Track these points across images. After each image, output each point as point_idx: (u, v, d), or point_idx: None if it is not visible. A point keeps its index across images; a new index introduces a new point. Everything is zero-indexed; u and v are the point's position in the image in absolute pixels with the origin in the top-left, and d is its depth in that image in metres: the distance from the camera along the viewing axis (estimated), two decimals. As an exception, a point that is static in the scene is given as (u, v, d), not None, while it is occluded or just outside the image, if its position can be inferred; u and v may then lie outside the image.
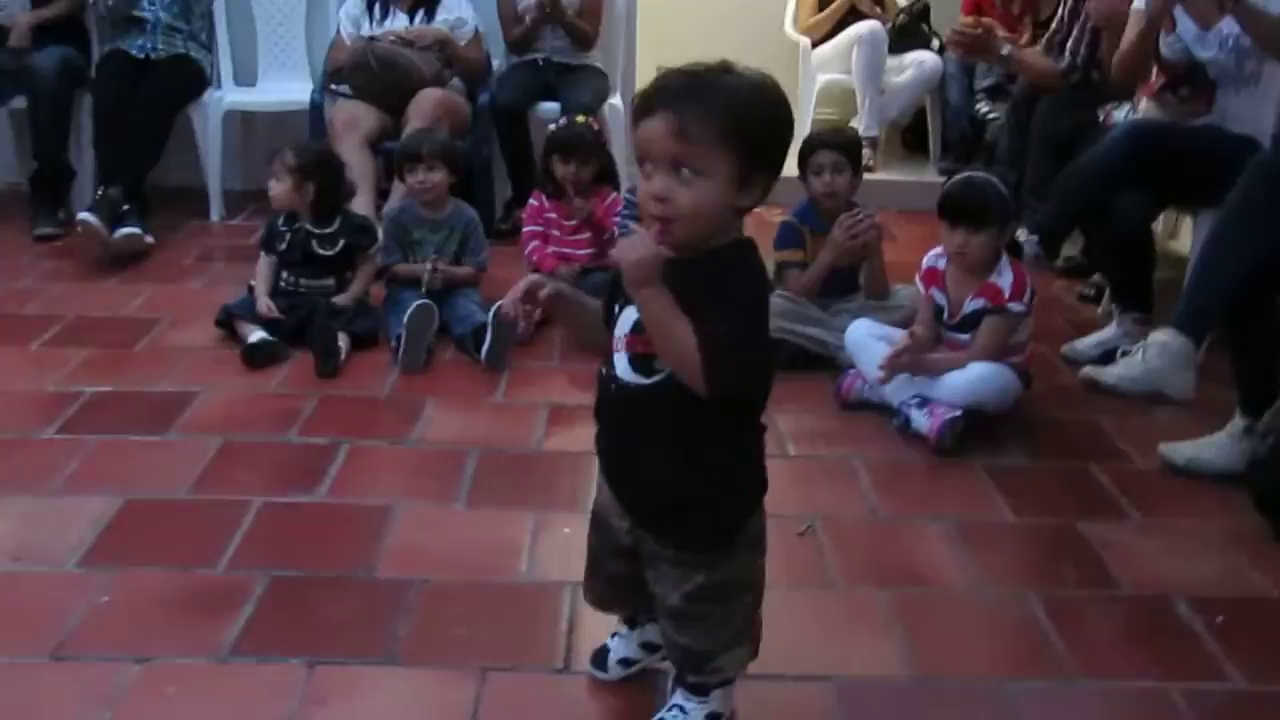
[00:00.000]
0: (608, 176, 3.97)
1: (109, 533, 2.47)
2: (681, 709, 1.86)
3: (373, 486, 2.67)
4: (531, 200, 3.99)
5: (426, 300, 3.40)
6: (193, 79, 4.77)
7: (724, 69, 1.59)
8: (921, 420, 2.97)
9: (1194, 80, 3.67)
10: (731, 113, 1.54)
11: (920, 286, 3.21)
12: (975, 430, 2.96)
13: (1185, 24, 3.54)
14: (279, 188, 3.52)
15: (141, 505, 2.59)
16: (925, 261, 3.21)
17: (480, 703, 1.97)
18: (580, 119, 3.96)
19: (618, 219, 3.81)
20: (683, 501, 1.71)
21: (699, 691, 1.86)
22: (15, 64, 4.60)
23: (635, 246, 1.57)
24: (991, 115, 5.32)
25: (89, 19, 4.91)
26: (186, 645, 2.10)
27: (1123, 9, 3.75)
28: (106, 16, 4.78)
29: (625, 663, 2.04)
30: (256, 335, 3.40)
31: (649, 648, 2.03)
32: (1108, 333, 3.57)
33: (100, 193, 4.27)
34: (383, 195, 4.37)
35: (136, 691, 1.98)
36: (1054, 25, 4.54)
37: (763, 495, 1.78)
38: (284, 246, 3.55)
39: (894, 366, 3.05)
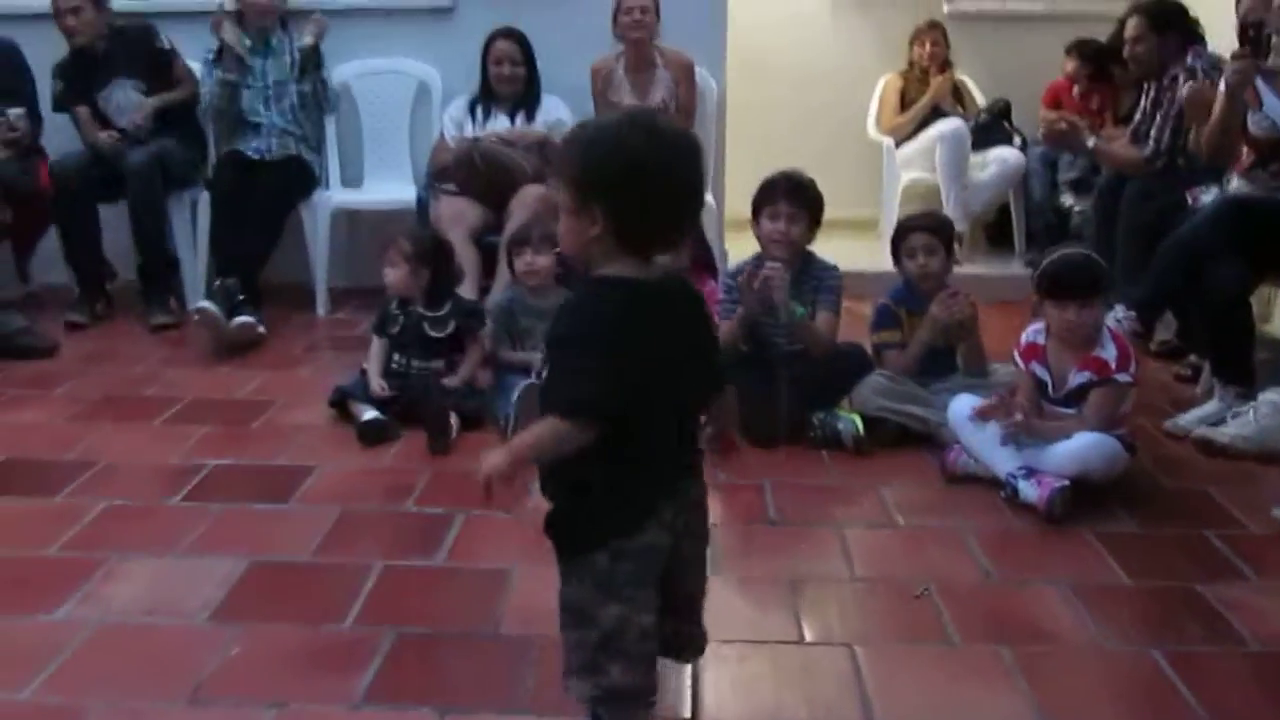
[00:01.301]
0: (707, 264, 4.07)
1: (237, 591, 2.55)
2: None
3: (490, 552, 2.72)
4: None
5: (535, 380, 3.48)
6: (303, 179, 5.00)
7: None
8: (1029, 490, 2.97)
9: (1283, 155, 3.73)
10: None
11: (1019, 362, 3.25)
12: (1082, 499, 2.95)
13: (1271, 100, 3.59)
14: (395, 274, 3.65)
15: (266, 567, 2.67)
16: (1024, 338, 3.25)
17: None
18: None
19: (717, 306, 3.88)
20: (554, 505, 1.83)
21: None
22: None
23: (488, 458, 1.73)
24: (1077, 208, 5.39)
25: (204, 120, 5.16)
26: (319, 694, 2.16)
27: (1210, 95, 3.83)
28: (219, 121, 5.03)
29: None
30: (370, 414, 3.51)
31: None
32: (1210, 406, 3.56)
33: (218, 283, 4.47)
34: (483, 290, 4.50)
35: (274, 734, 2.04)
36: (1137, 116, 4.61)
37: (615, 533, 1.77)
38: (397, 330, 3.67)
39: (1007, 431, 3.07)
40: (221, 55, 4.96)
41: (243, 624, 2.40)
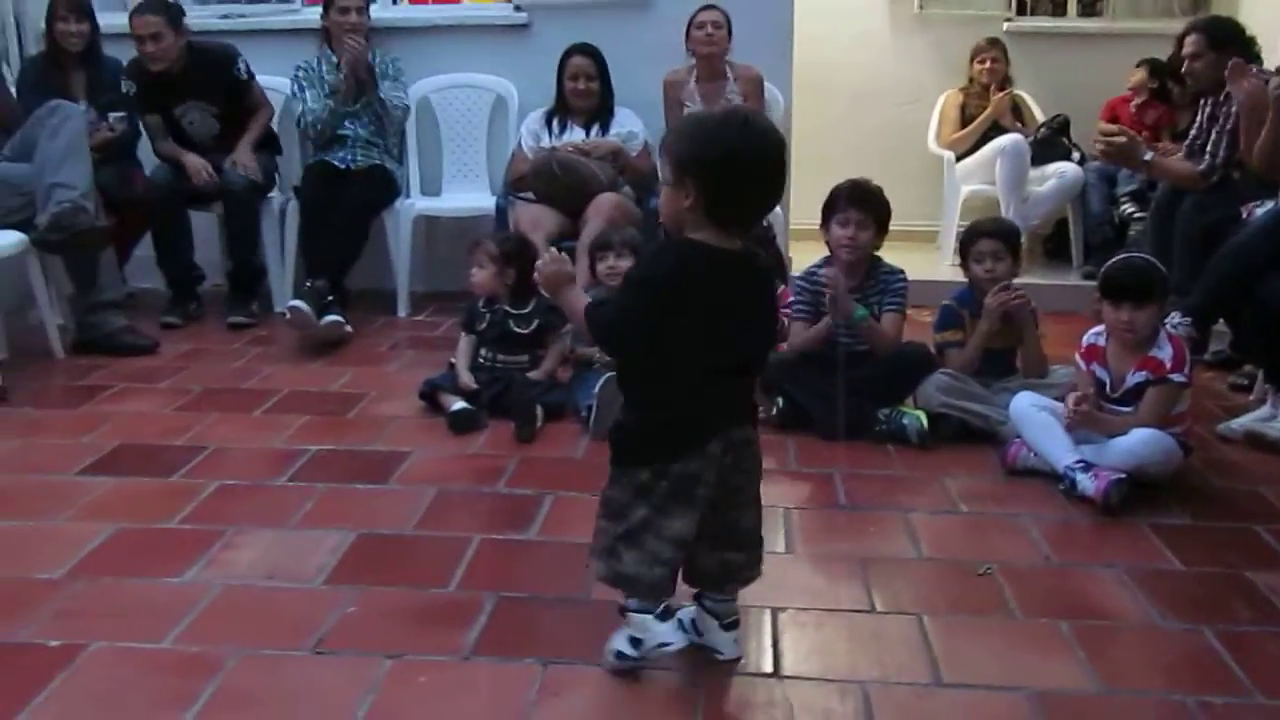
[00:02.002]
0: (777, 271, 4.25)
1: (347, 559, 2.76)
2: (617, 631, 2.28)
3: (580, 527, 2.87)
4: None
5: (614, 374, 3.68)
6: (387, 188, 5.24)
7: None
8: (1087, 483, 3.12)
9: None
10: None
11: (1080, 363, 3.40)
12: (1138, 493, 3.09)
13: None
14: (482, 274, 3.87)
15: (372, 539, 2.88)
16: (1085, 339, 3.41)
17: (700, 692, 2.21)
18: (748, 216, 4.26)
19: (787, 309, 4.06)
20: (619, 420, 2.24)
21: (620, 612, 2.26)
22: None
23: (545, 267, 2.33)
24: (1137, 215, 5.52)
25: (302, 134, 5.44)
26: (430, 646, 2.35)
27: (1264, 96, 3.95)
28: (314, 138, 5.29)
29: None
30: (458, 405, 3.71)
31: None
32: (1262, 412, 3.69)
33: (307, 285, 4.72)
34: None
35: (392, 679, 2.23)
36: (1193, 132, 4.73)
37: (659, 458, 2.12)
38: (484, 326, 3.88)
39: (1071, 419, 3.23)
40: (312, 76, 5.23)
41: (356, 587, 2.61)
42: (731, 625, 2.31)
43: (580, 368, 3.92)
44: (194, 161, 5.06)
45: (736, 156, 2.03)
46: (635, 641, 2.23)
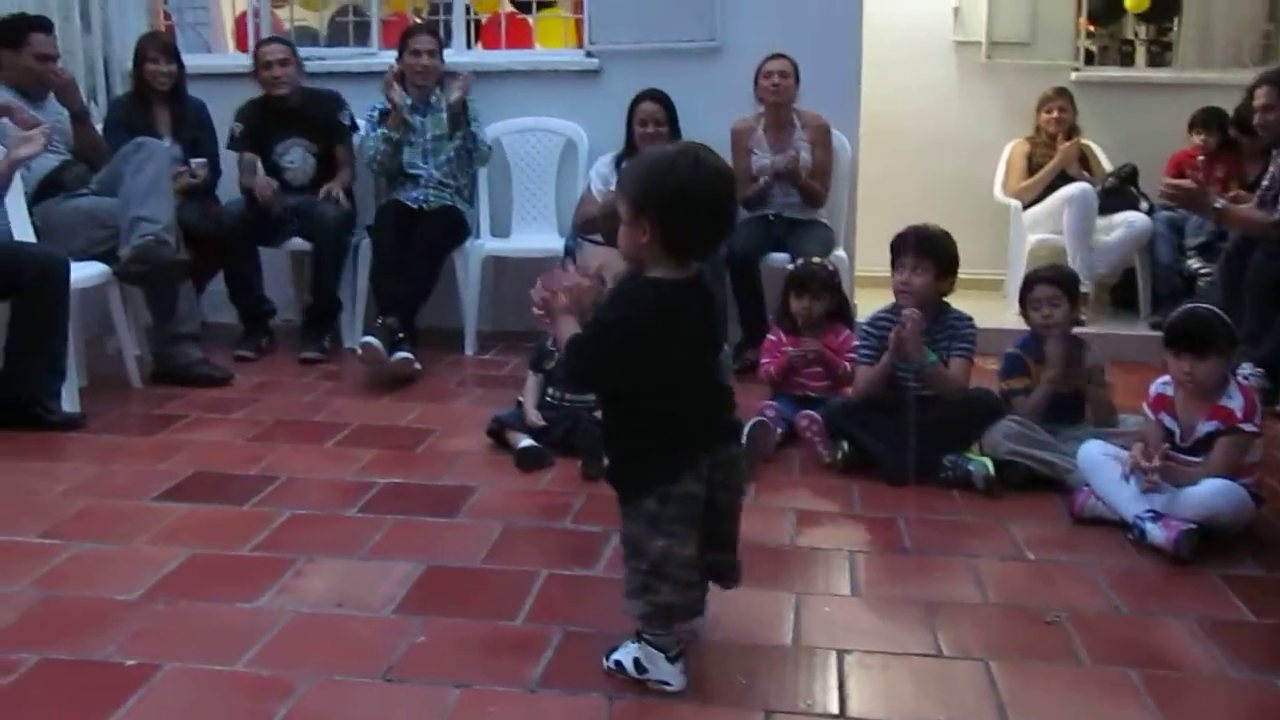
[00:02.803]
0: (843, 315, 4.27)
1: (416, 590, 2.80)
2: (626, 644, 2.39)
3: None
4: (770, 336, 4.31)
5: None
6: (457, 228, 5.34)
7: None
8: (1157, 532, 3.09)
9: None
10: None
11: (1149, 412, 3.38)
12: (1208, 544, 3.06)
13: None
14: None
15: (441, 571, 2.92)
16: (1153, 388, 3.38)
17: (768, 731, 2.20)
18: (816, 260, 4.29)
19: (852, 354, 4.07)
20: (612, 461, 2.43)
21: (636, 635, 2.36)
22: (302, 211, 5.27)
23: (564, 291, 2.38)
24: (1203, 271, 5.48)
25: (369, 172, 5.56)
26: (498, 677, 2.37)
27: None
28: (377, 170, 5.41)
29: None
30: (525, 442, 3.76)
31: None
32: (1336, 463, 3.65)
33: (379, 321, 4.80)
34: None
35: (461, 708, 2.26)
36: (1265, 183, 4.70)
37: (656, 480, 2.24)
38: (552, 365, 3.92)
39: (1150, 484, 3.18)
40: (386, 115, 5.33)
41: (424, 617, 2.64)
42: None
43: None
44: (262, 180, 5.27)
45: (688, 193, 2.16)
46: (640, 667, 2.34)
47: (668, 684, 2.33)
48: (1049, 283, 3.83)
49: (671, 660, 2.33)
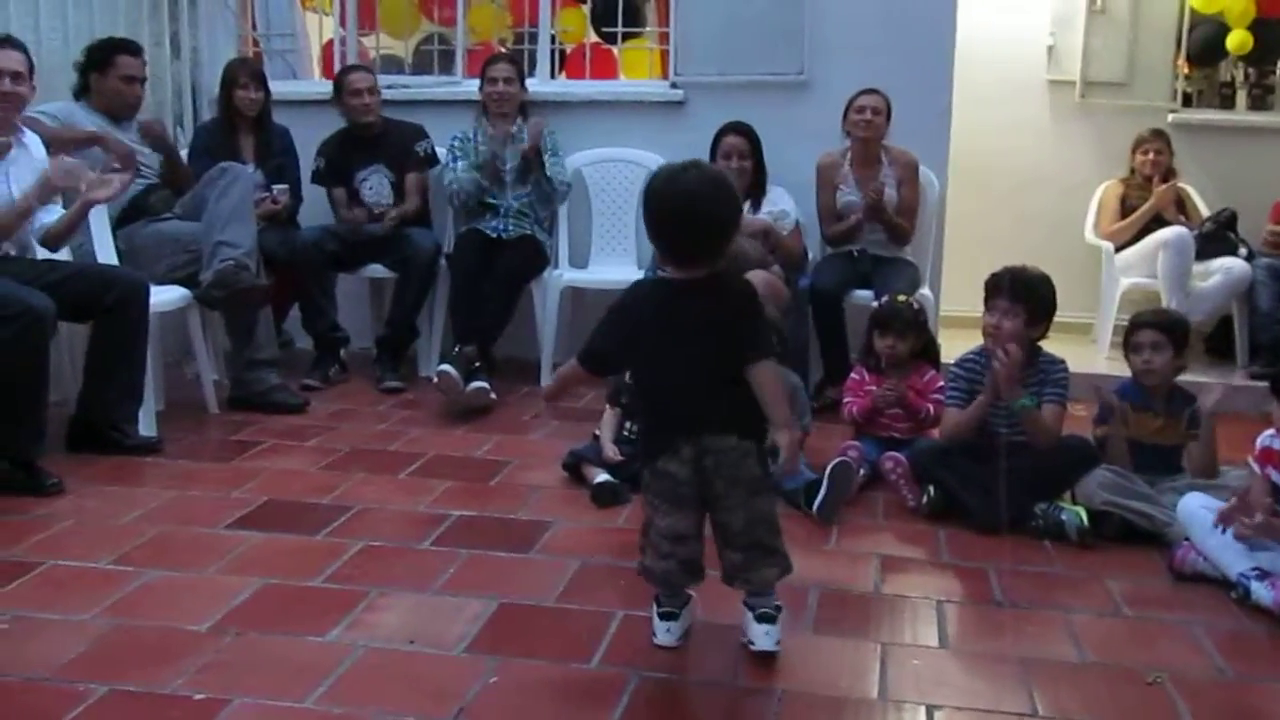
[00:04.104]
0: (928, 354, 4.15)
1: (489, 628, 2.73)
2: None
3: (726, 609, 2.81)
4: (853, 374, 4.20)
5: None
6: (536, 258, 5.28)
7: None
8: (1263, 592, 2.93)
9: None
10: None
11: (1255, 466, 3.22)
12: (1320, 607, 2.91)
13: None
14: None
15: (515, 608, 2.84)
16: (1260, 441, 3.22)
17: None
18: (901, 298, 4.18)
19: (938, 396, 3.95)
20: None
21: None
22: (388, 237, 5.29)
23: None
24: (1307, 320, 5.29)
25: (435, 202, 5.57)
26: (574, 722, 2.30)
27: None
28: (458, 207, 5.39)
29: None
30: (602, 477, 3.68)
31: None
32: None
33: (456, 350, 4.76)
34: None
35: (535, 754, 2.18)
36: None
37: (648, 456, 2.54)
38: (628, 400, 3.84)
39: (1243, 529, 3.01)
40: (468, 146, 5.33)
41: (497, 657, 2.57)
42: (764, 618, 2.56)
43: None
44: (339, 197, 5.38)
45: (649, 204, 2.44)
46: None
47: (655, 637, 2.59)
48: (1154, 328, 3.70)
49: (661, 617, 2.58)
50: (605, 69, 6.34)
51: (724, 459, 2.45)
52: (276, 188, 5.27)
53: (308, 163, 5.48)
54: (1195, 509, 3.22)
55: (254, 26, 6.47)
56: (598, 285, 5.41)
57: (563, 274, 5.42)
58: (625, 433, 3.86)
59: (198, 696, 2.36)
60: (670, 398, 2.50)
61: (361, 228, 5.31)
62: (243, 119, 5.30)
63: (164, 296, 4.38)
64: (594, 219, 5.70)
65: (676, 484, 2.47)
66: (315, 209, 5.52)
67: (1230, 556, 3.07)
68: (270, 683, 2.42)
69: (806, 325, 4.92)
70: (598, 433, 3.92)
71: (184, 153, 5.20)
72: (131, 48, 4.77)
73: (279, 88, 5.60)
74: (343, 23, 6.10)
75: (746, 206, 5.06)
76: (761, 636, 2.54)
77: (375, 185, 5.42)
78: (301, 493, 3.69)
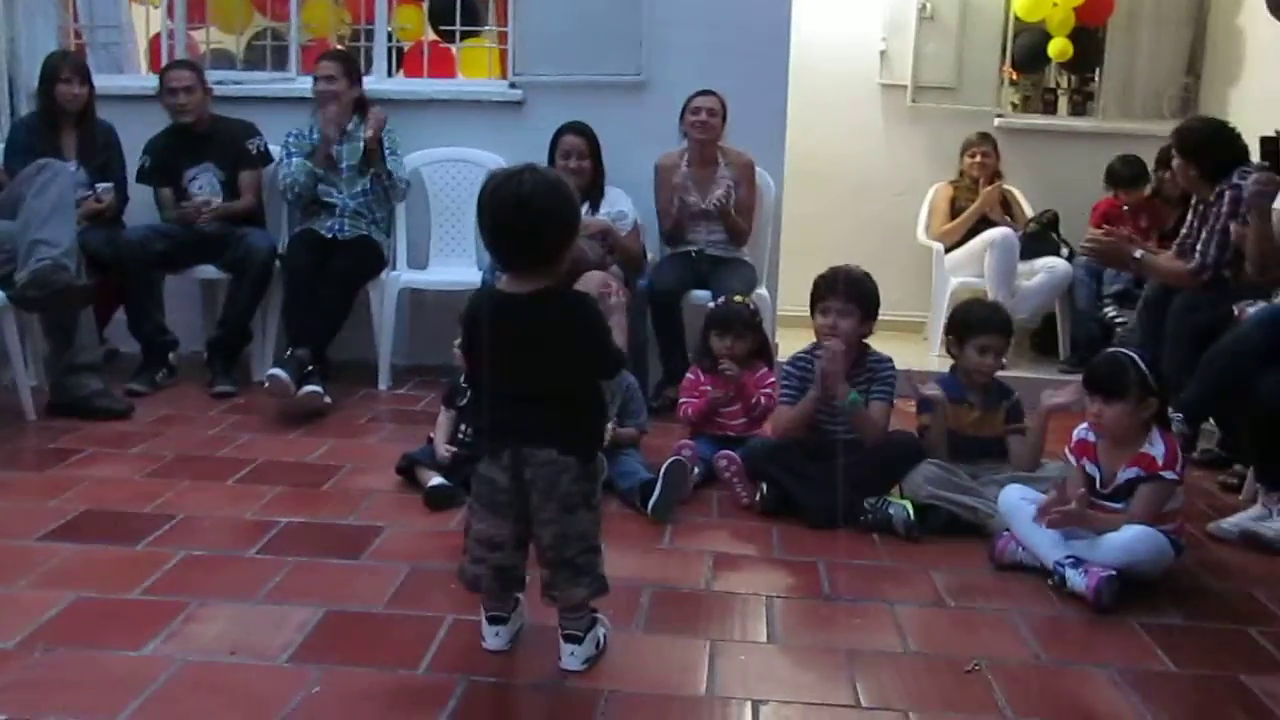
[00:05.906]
0: (763, 354, 4.21)
1: (314, 636, 2.66)
2: None
3: (553, 612, 2.80)
4: (689, 374, 4.23)
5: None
6: (373, 259, 5.19)
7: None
8: (1077, 579, 3.04)
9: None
10: None
11: (1071, 458, 3.34)
12: (1129, 592, 3.02)
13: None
14: None
15: (342, 616, 2.78)
16: (1076, 434, 3.35)
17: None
18: (738, 298, 4.23)
19: (768, 392, 4.02)
20: None
21: None
22: (221, 237, 5.14)
23: None
24: (1119, 320, 5.51)
25: (270, 202, 5.44)
26: (397, 731, 2.26)
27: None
28: (292, 200, 5.26)
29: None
30: (436, 480, 3.63)
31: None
32: (1253, 511, 3.63)
33: (289, 353, 4.65)
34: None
35: (356, 765, 2.14)
36: (1184, 230, 4.71)
37: (473, 458, 2.65)
38: (464, 402, 3.81)
39: (1056, 517, 3.14)
40: (302, 142, 5.21)
41: (322, 666, 2.51)
42: (570, 638, 2.54)
43: (614, 449, 3.76)
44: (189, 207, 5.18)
45: (488, 208, 2.41)
46: None
47: (484, 639, 2.61)
48: (998, 333, 3.79)
49: (489, 621, 2.60)
50: (444, 68, 6.29)
51: (541, 471, 2.43)
52: (100, 186, 5.08)
53: (134, 160, 5.29)
54: (1015, 501, 3.34)
55: (76, 18, 6.23)
56: (437, 286, 5.36)
57: (400, 275, 5.34)
58: (461, 435, 3.82)
59: (1, 718, 2.25)
60: (497, 404, 2.50)
61: (192, 226, 5.14)
62: (64, 115, 5.10)
63: (-25, 298, 4.19)
64: (433, 219, 5.63)
65: (495, 490, 2.48)
66: (143, 209, 5.33)
67: (1047, 546, 3.19)
68: (80, 700, 2.33)
69: (645, 325, 4.94)
70: (433, 435, 3.87)
71: (-1, 149, 4.98)
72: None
73: (103, 82, 5.41)
74: (171, 15, 5.92)
75: (585, 207, 5.06)
76: (567, 656, 2.53)
77: (205, 184, 5.26)
78: (122, 502, 3.55)
